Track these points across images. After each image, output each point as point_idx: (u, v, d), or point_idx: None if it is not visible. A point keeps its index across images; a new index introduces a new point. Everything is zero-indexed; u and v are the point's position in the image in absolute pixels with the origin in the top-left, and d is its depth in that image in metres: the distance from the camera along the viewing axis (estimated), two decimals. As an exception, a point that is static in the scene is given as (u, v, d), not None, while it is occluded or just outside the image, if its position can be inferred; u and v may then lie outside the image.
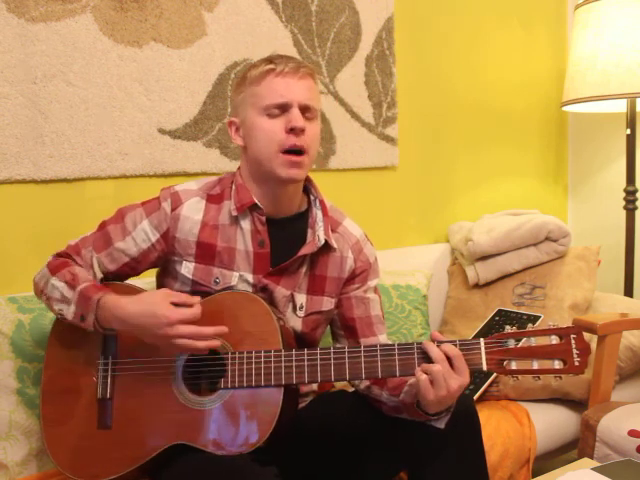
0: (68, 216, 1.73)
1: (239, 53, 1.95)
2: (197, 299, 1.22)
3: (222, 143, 1.94)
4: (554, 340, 1.18)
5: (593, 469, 1.27)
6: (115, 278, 1.37)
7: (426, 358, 1.19)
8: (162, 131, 1.85)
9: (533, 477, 1.64)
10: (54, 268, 1.31)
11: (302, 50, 2.06)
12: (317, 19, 2.08)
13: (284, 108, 1.27)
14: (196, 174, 1.89)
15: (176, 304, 1.19)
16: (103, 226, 1.37)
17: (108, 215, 1.39)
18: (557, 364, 1.18)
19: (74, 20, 1.69)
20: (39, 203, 1.70)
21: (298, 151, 1.27)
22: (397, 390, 1.29)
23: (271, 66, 1.28)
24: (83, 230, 1.41)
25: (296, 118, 1.26)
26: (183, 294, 1.23)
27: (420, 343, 1.21)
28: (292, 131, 1.26)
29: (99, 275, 1.35)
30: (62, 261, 1.33)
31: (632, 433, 1.56)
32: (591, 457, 1.61)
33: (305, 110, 1.28)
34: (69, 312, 1.25)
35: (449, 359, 1.16)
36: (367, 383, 1.36)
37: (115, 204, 1.43)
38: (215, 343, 1.22)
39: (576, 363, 1.17)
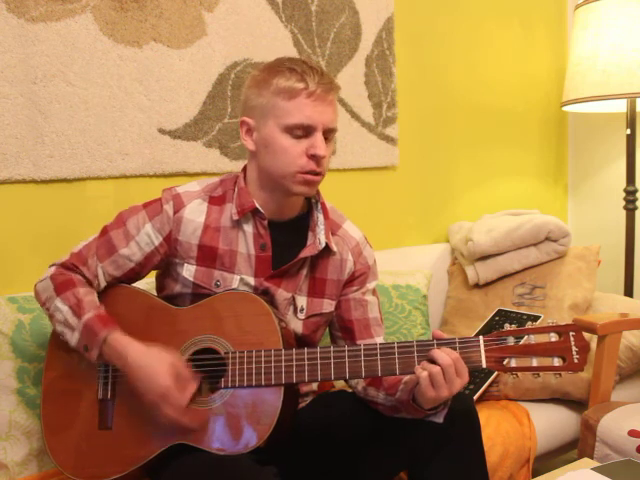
0: (68, 216, 1.73)
1: (239, 53, 1.95)
2: (193, 388, 1.20)
3: (222, 143, 1.94)
4: (553, 338, 1.19)
5: (593, 469, 1.27)
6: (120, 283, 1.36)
7: (426, 357, 1.19)
8: (162, 131, 1.85)
9: (533, 477, 1.64)
10: (59, 286, 1.29)
11: (302, 50, 2.06)
12: (317, 19, 2.08)
13: (308, 130, 1.25)
14: (196, 174, 1.89)
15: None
16: (105, 232, 1.35)
17: (108, 215, 1.38)
18: (556, 361, 1.18)
19: (74, 20, 1.69)
20: (39, 203, 1.70)
21: (316, 173, 1.28)
22: (393, 389, 1.29)
23: (302, 85, 1.23)
24: (83, 230, 1.41)
25: (320, 146, 1.25)
26: (189, 377, 1.20)
27: (420, 342, 1.21)
28: (313, 157, 1.25)
29: (103, 284, 1.34)
30: (67, 278, 1.30)
31: (632, 433, 1.56)
32: (591, 457, 1.61)
33: (327, 132, 1.28)
34: (72, 338, 1.25)
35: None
36: (364, 384, 1.36)
37: (115, 204, 1.43)
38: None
39: (575, 360, 1.17)
